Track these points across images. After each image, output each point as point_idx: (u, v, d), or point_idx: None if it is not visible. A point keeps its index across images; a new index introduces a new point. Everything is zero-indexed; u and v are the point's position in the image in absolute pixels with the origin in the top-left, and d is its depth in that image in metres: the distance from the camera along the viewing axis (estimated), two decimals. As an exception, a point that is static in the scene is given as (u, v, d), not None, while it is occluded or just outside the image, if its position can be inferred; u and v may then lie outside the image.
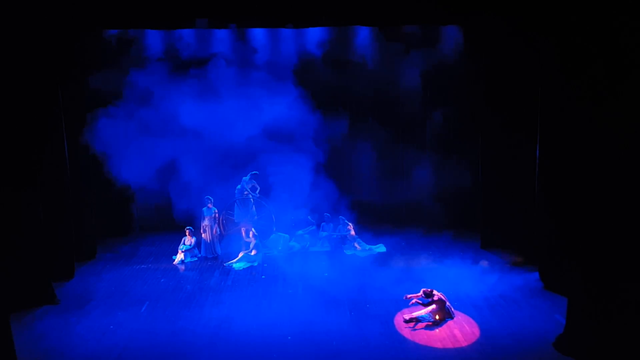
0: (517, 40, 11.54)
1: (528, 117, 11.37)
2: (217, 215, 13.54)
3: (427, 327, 9.27)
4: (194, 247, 13.26)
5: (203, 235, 13.45)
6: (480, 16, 11.89)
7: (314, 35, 14.10)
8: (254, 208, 13.88)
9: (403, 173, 15.58)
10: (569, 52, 9.05)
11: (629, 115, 7.48)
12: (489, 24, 12.07)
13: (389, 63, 14.62)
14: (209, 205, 13.50)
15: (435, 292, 9.54)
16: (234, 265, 12.59)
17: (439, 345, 8.73)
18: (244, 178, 13.83)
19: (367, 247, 13.58)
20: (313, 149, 14.13)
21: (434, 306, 9.48)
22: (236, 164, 14.06)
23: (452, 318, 9.48)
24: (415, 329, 9.21)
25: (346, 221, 13.87)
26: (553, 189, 10.47)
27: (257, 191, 13.88)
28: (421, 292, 9.59)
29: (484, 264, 12.15)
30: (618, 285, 7.71)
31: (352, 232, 13.70)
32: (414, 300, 9.62)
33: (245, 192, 13.84)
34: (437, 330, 9.21)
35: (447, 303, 9.53)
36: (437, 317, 9.43)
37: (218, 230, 13.56)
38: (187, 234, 13.27)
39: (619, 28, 7.45)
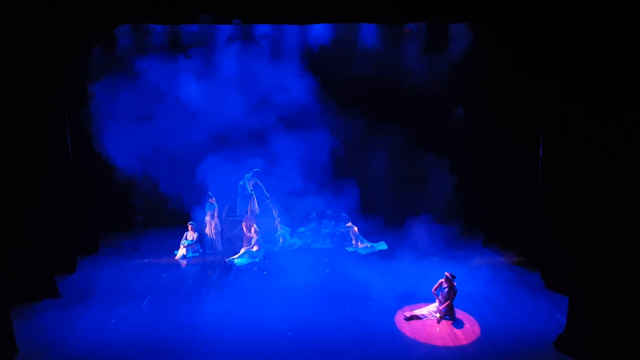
0: (522, 43, 11.46)
1: (531, 118, 11.33)
2: (217, 210, 13.54)
3: (427, 325, 9.29)
4: (196, 242, 13.29)
5: (206, 230, 13.47)
6: (489, 18, 11.82)
7: (324, 28, 14.04)
8: (256, 204, 13.87)
9: (406, 172, 15.55)
10: (571, 56, 9.03)
11: (628, 119, 7.48)
12: (497, 26, 12.01)
13: (402, 60, 14.54)
14: (211, 200, 13.51)
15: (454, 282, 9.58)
16: (236, 261, 12.61)
17: (439, 343, 8.74)
18: (246, 175, 13.82)
19: (369, 244, 13.59)
20: (319, 142, 14.10)
21: (437, 304, 9.52)
22: (242, 155, 13.93)
23: (453, 316, 9.49)
24: (416, 327, 9.23)
25: (347, 218, 13.89)
26: (555, 189, 10.46)
27: (264, 190, 13.84)
28: (446, 275, 9.53)
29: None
30: (618, 285, 7.70)
31: (355, 229, 13.69)
32: (437, 287, 9.61)
33: (249, 188, 13.83)
34: (437, 328, 9.22)
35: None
36: (438, 315, 9.45)
37: (219, 226, 13.56)
38: (189, 229, 13.29)
39: (621, 37, 7.46)
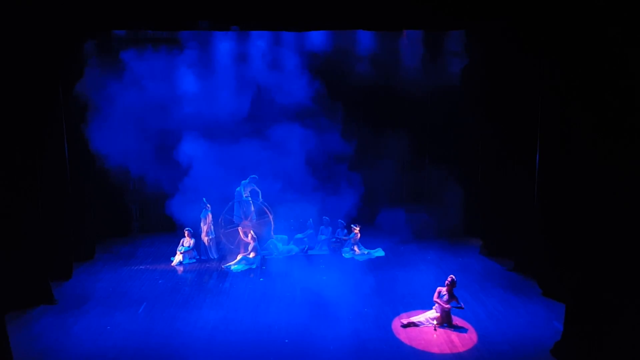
0: (519, 47, 11.51)
1: (528, 127, 11.37)
2: (210, 217, 13.48)
3: (424, 332, 9.27)
4: (192, 248, 13.25)
5: (202, 237, 13.44)
6: (485, 23, 11.86)
7: (327, 34, 14.12)
8: (252, 210, 13.87)
9: (404, 179, 15.60)
10: (570, 63, 9.09)
11: (624, 128, 7.52)
12: (494, 35, 12.06)
13: (400, 68, 14.61)
14: (206, 206, 13.47)
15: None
16: (232, 268, 12.59)
17: (436, 350, 8.72)
18: (243, 181, 13.82)
19: (366, 251, 13.58)
20: (319, 147, 14.11)
21: (434, 311, 9.52)
22: (241, 159, 13.87)
23: (450, 323, 9.48)
24: (413, 334, 9.21)
25: (344, 224, 13.90)
26: (551, 197, 10.49)
27: (260, 195, 13.85)
28: (449, 279, 9.53)
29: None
30: (615, 292, 7.71)
31: (358, 235, 13.65)
32: (437, 295, 9.59)
33: (245, 194, 13.82)
34: (434, 335, 9.20)
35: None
36: (435, 322, 9.44)
37: (212, 232, 13.53)
38: (186, 235, 13.25)
39: (618, 41, 7.51)
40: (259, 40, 13.96)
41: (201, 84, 13.74)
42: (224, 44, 13.94)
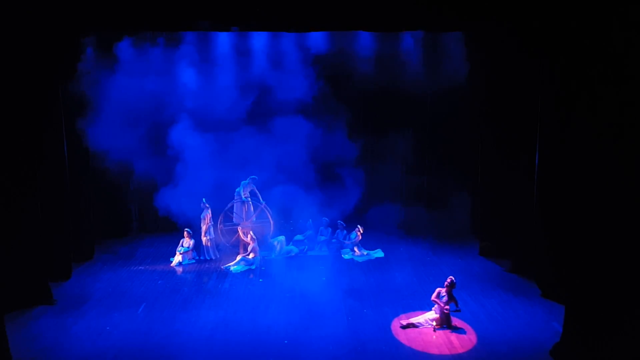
0: (518, 49, 11.51)
1: (527, 127, 11.38)
2: (209, 217, 13.47)
3: (424, 333, 9.27)
4: (192, 249, 13.24)
5: (202, 237, 13.44)
6: (485, 24, 11.86)
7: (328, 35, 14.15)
8: (252, 210, 13.87)
9: (404, 180, 15.60)
10: (569, 65, 9.10)
11: (623, 128, 7.53)
12: (493, 32, 12.07)
13: (402, 69, 14.62)
14: (205, 206, 13.46)
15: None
16: (232, 268, 12.58)
17: (435, 351, 8.72)
18: (243, 182, 13.82)
19: (365, 252, 13.57)
20: (319, 148, 14.13)
21: (433, 312, 9.52)
22: (241, 158, 13.91)
23: (449, 324, 9.48)
24: (412, 335, 9.21)
25: (344, 225, 13.90)
26: (551, 198, 10.49)
27: (260, 197, 13.84)
28: (449, 280, 9.56)
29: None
30: (614, 293, 7.71)
31: (360, 237, 13.64)
32: (436, 296, 9.59)
33: (244, 195, 13.82)
34: (434, 336, 9.20)
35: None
36: (434, 323, 9.44)
37: (211, 233, 13.51)
38: (185, 235, 13.25)
39: (619, 44, 7.51)
40: (262, 36, 13.98)
41: (202, 78, 13.74)
42: (225, 38, 13.95)
